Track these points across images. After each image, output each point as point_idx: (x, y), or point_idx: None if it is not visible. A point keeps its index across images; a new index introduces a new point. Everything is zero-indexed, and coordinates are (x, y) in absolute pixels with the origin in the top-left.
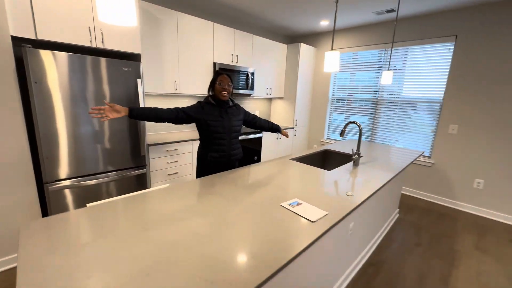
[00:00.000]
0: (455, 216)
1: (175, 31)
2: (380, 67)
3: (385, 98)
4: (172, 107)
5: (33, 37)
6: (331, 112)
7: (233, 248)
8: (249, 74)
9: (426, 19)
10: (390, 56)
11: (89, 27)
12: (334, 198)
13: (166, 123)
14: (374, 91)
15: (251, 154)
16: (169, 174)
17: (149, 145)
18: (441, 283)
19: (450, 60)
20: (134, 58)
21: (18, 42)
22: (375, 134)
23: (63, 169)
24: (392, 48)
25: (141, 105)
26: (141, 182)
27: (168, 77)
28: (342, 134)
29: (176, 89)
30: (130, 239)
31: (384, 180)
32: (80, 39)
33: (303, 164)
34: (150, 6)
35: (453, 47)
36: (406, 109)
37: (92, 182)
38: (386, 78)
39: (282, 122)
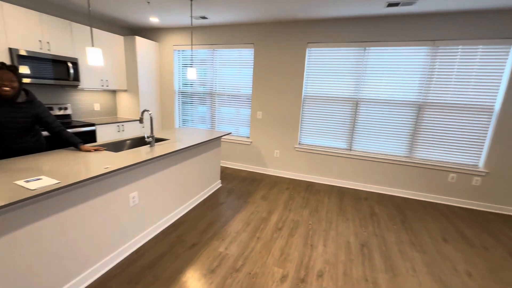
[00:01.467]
0: (263, 179)
1: None
2: (212, 64)
3: (218, 91)
4: None
5: None
6: (180, 103)
7: None
8: (69, 63)
9: (233, 28)
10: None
11: None
12: (86, 172)
13: None
14: (210, 85)
15: None
16: None
17: None
18: (221, 226)
19: (253, 62)
20: None
21: None
22: (215, 122)
23: None
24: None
25: None
26: None
27: None
28: (141, 121)
29: None
30: None
31: (161, 153)
32: None
33: None
34: None
35: (253, 51)
36: (232, 101)
37: None
38: (191, 73)
39: (128, 115)
